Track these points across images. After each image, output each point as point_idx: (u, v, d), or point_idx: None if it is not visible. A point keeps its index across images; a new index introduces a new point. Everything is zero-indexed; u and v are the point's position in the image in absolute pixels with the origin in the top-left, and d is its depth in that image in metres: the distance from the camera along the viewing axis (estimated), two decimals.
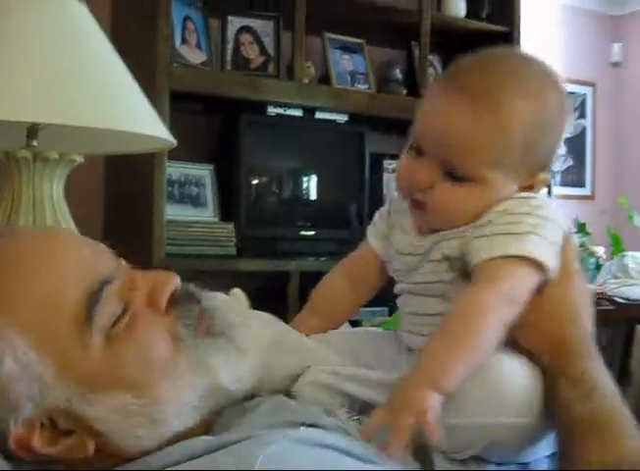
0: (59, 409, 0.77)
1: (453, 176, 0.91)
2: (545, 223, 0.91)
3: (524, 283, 0.89)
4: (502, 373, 0.87)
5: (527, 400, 0.88)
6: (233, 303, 0.93)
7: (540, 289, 0.91)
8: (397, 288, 1.03)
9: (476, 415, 0.86)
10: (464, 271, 0.92)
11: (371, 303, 1.16)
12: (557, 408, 0.88)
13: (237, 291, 0.99)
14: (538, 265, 0.88)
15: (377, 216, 1.10)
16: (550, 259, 0.89)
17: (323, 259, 3.08)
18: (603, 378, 0.89)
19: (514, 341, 0.90)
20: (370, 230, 1.09)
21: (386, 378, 0.93)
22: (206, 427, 0.83)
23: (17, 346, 0.75)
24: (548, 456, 0.96)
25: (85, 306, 0.77)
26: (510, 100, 0.89)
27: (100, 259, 0.84)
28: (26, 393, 0.75)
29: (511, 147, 0.90)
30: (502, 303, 0.87)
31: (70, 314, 0.77)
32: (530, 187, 0.95)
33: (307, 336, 1.04)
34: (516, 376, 0.88)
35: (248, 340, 0.87)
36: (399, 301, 1.03)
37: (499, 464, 0.93)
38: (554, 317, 0.92)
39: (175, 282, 0.84)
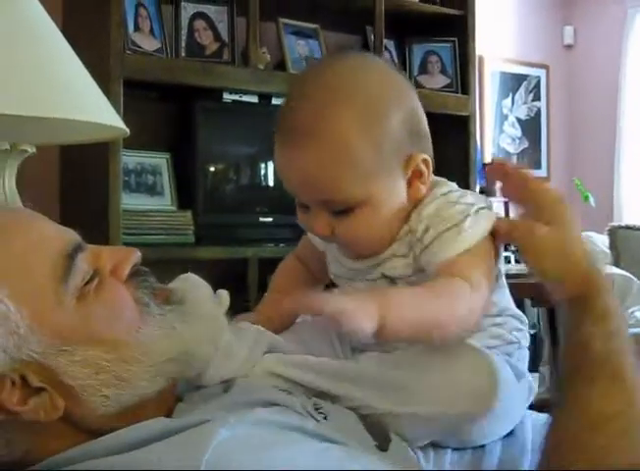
0: (32, 363, 0.78)
1: (341, 212, 0.90)
2: (471, 209, 0.91)
3: (486, 261, 0.91)
4: (458, 364, 0.89)
5: (482, 391, 0.89)
6: (196, 288, 0.94)
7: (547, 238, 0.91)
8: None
9: (434, 405, 0.88)
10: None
11: None
12: (575, 341, 0.89)
13: (222, 292, 0.97)
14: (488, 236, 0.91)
15: None
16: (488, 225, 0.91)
17: (282, 245, 3.08)
18: (623, 320, 0.91)
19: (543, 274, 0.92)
20: None
21: (333, 365, 0.95)
22: (166, 402, 0.86)
23: None
24: (502, 439, 0.98)
25: (62, 265, 0.80)
26: (332, 118, 0.87)
27: (68, 230, 0.88)
28: (1, 345, 0.76)
29: (361, 157, 0.87)
30: (479, 304, 0.88)
31: (47, 271, 0.80)
32: (419, 174, 0.93)
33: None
34: (472, 367, 0.90)
35: (203, 310, 0.90)
36: None
37: (455, 449, 0.94)
38: (576, 252, 0.92)
39: (136, 255, 0.89)
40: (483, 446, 0.96)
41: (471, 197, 0.94)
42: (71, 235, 0.86)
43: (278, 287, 1.13)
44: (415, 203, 0.93)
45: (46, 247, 0.82)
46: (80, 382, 0.79)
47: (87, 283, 0.82)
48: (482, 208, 0.92)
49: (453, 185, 0.97)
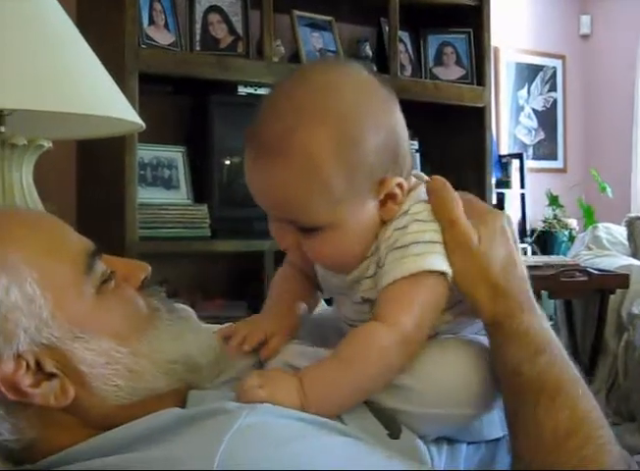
0: (48, 348, 0.82)
1: (308, 230, 0.87)
2: (424, 225, 0.87)
3: (428, 299, 0.86)
4: (447, 366, 0.88)
5: (473, 393, 0.88)
6: None
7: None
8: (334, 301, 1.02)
9: (428, 407, 0.88)
10: None
11: None
12: (505, 368, 0.87)
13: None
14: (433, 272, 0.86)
15: None
16: (439, 264, 0.86)
17: None
18: (548, 333, 0.88)
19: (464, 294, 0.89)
20: None
21: None
22: (177, 398, 0.88)
23: (24, 279, 0.82)
24: None
25: (84, 261, 0.86)
26: (303, 140, 0.83)
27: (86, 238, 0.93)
28: (24, 325, 0.81)
29: (332, 183, 0.83)
30: (399, 346, 0.84)
31: (71, 264, 0.86)
32: (392, 196, 0.88)
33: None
34: (461, 368, 0.88)
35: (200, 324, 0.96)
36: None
37: (469, 443, 0.94)
38: (489, 263, 0.88)
39: (148, 268, 0.94)
40: (498, 440, 0.95)
41: (425, 214, 0.88)
42: (89, 241, 0.91)
43: (275, 299, 1.05)
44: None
45: (70, 245, 0.88)
46: (92, 370, 0.83)
47: (105, 282, 0.87)
48: (434, 242, 0.87)
49: (419, 197, 0.90)
